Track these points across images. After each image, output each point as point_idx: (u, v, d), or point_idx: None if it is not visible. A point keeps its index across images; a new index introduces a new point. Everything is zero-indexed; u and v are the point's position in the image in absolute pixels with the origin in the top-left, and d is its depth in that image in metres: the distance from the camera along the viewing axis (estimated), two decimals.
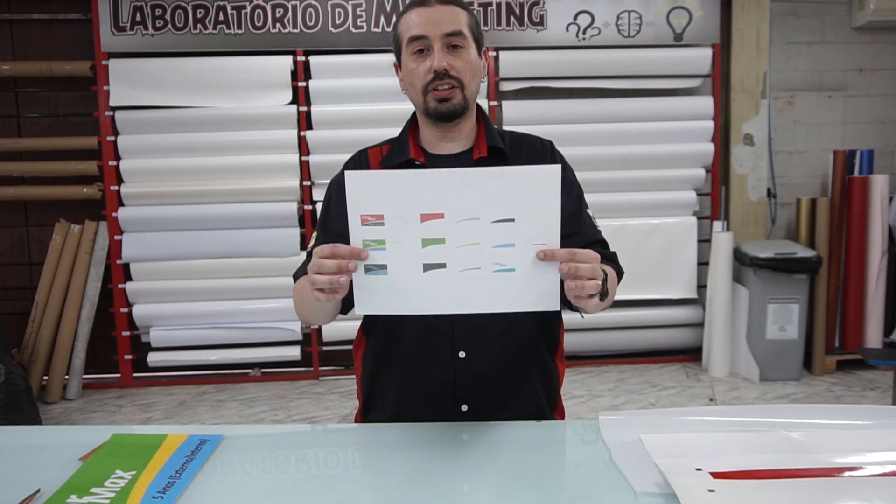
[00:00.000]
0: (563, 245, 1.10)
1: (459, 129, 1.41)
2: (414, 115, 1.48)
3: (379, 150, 1.46)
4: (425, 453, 1.22)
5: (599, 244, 1.44)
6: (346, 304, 1.30)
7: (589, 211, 1.48)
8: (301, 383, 4.25)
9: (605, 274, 1.18)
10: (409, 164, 1.39)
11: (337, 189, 1.41)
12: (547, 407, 1.47)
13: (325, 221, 1.44)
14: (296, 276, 1.44)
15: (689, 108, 4.36)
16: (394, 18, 1.41)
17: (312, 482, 1.17)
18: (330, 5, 4.16)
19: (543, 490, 1.09)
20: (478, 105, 1.47)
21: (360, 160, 1.45)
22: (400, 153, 1.41)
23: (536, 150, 1.44)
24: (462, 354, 1.36)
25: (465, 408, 1.39)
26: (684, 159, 4.35)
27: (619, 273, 1.44)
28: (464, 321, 1.34)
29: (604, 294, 1.16)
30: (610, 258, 1.42)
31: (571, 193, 1.42)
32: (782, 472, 1.04)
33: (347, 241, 1.15)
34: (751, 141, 4.45)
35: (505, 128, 1.55)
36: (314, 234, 1.46)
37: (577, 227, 1.42)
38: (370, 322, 1.47)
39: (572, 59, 4.26)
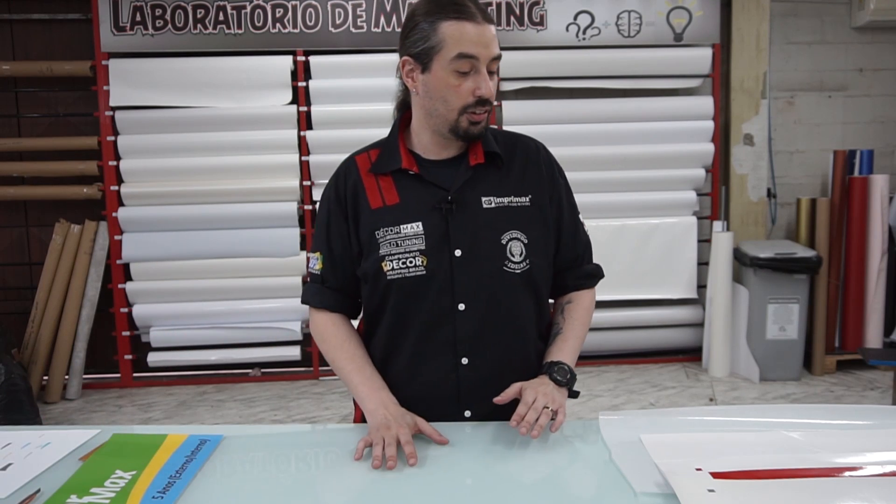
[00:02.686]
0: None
1: None
2: (402, 117, 1.41)
3: (367, 157, 1.39)
4: (427, 452, 1.22)
5: (587, 257, 1.48)
6: (355, 309, 1.46)
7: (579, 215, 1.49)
8: (301, 383, 4.25)
9: (567, 374, 1.33)
10: (401, 174, 1.34)
11: (336, 203, 1.38)
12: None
13: (329, 239, 1.40)
14: (305, 300, 1.45)
15: (689, 108, 4.36)
16: (408, 15, 1.33)
17: (312, 482, 1.16)
18: (330, 5, 4.16)
19: (544, 489, 1.09)
20: None
21: (349, 168, 1.40)
22: (391, 160, 1.35)
23: (531, 151, 1.42)
24: (465, 361, 1.35)
25: (468, 413, 1.37)
26: (684, 159, 4.35)
27: (599, 275, 1.50)
28: (465, 328, 1.33)
29: (572, 390, 1.34)
30: (593, 274, 1.49)
31: (557, 195, 1.42)
32: (782, 472, 1.04)
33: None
34: (751, 141, 4.44)
35: (505, 127, 1.54)
36: (317, 254, 1.41)
37: (571, 253, 1.45)
38: (369, 332, 1.45)
39: (572, 59, 4.25)
